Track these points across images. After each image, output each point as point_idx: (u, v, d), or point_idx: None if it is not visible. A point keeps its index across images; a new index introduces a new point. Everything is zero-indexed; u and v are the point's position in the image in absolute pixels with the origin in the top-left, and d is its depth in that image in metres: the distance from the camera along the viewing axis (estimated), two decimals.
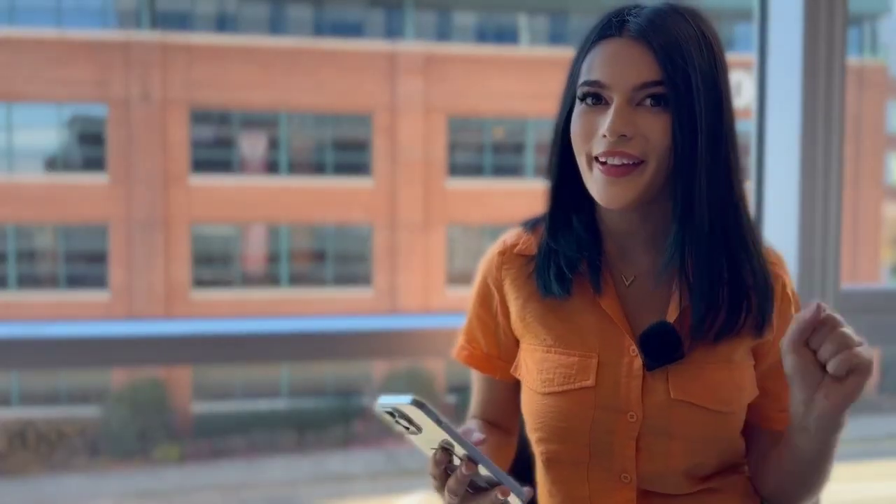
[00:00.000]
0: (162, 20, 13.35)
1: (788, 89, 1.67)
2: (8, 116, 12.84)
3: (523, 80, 13.46)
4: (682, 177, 1.05)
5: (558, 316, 1.14)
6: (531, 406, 1.14)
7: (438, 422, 0.91)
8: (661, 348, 1.08)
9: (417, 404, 0.89)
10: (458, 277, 13.62)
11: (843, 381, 0.96)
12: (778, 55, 1.70)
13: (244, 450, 11.63)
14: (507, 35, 14.55)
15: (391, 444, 11.71)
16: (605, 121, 1.04)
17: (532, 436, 1.14)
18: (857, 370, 0.95)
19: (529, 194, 14.17)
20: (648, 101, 1.04)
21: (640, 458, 1.09)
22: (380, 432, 12.07)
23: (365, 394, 12.64)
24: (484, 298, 1.21)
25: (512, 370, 1.19)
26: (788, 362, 0.98)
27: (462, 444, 0.93)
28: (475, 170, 14.06)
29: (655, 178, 1.05)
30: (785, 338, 0.97)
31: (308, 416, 12.17)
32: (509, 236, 1.21)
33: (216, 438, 11.79)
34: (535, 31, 14.62)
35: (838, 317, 0.96)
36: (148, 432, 11.65)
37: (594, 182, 1.08)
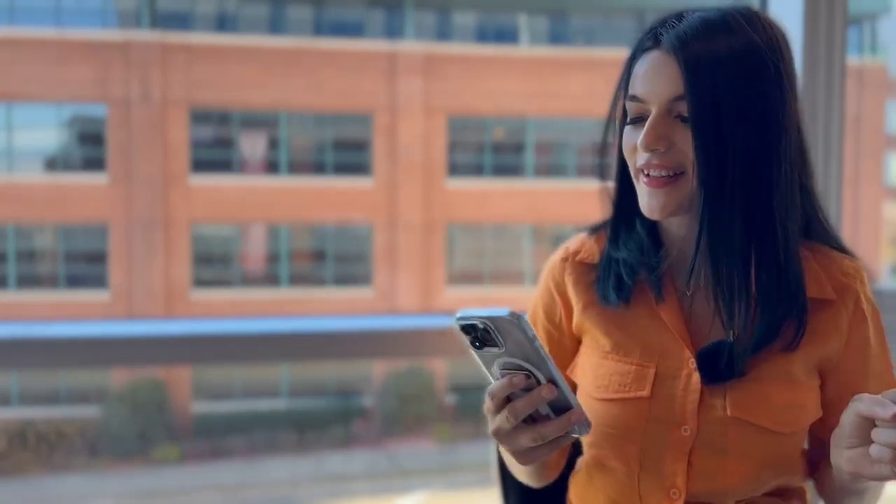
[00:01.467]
0: (162, 20, 13.33)
1: None
2: (8, 116, 12.83)
3: (523, 80, 13.44)
4: (706, 192, 1.03)
5: (617, 323, 1.13)
6: (585, 409, 1.14)
7: (532, 339, 0.91)
8: (719, 367, 1.06)
9: (515, 317, 0.89)
10: (458, 277, 13.61)
11: (870, 464, 0.93)
12: None
13: (244, 450, 11.62)
14: (507, 35, 14.53)
15: (391, 444, 11.71)
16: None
17: (584, 439, 1.14)
18: (887, 466, 0.92)
19: (529, 194, 14.20)
20: (681, 114, 1.04)
21: (692, 474, 1.07)
22: (380, 432, 12.06)
23: (365, 394, 12.63)
24: (549, 308, 1.21)
25: (568, 371, 1.19)
26: (848, 413, 0.96)
27: (548, 367, 0.92)
28: (475, 170, 14.04)
29: (697, 188, 1.04)
30: (862, 399, 0.94)
31: (308, 416, 12.16)
32: (572, 243, 1.21)
33: (216, 438, 11.78)
34: (535, 31, 14.60)
35: None
36: (148, 432, 11.64)
37: (640, 193, 1.08)
